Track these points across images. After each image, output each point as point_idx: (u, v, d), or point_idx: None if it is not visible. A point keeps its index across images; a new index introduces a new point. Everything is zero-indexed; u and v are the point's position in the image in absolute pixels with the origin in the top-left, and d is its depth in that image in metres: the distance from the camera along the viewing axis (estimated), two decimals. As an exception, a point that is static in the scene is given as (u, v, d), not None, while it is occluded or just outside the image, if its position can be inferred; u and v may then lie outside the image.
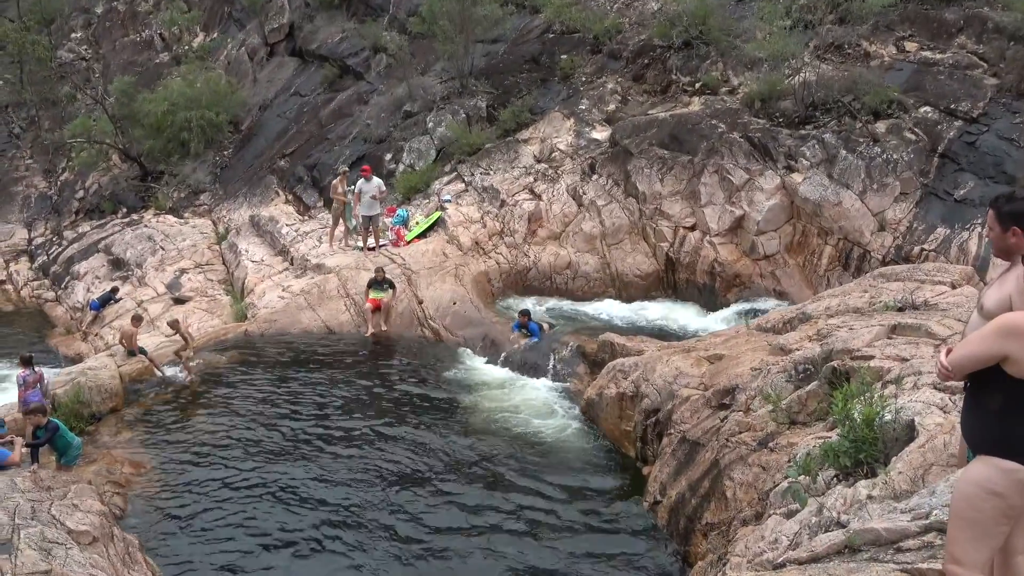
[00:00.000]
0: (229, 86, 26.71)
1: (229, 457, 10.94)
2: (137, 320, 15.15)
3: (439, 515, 9.38)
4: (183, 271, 20.52)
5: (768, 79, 17.40)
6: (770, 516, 6.25)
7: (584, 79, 20.97)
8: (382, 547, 8.78)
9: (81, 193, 26.83)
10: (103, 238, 23.18)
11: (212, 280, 20.19)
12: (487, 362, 14.11)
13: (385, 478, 10.19)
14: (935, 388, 6.32)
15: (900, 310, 9.05)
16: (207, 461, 10.90)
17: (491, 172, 19.13)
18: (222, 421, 12.08)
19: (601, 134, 19.06)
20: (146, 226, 23.11)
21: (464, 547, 8.73)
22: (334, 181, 19.03)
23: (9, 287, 23.93)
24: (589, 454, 10.81)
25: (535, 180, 18.53)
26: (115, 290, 19.87)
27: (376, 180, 17.78)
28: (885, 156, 15.23)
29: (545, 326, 14.00)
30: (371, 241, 18.25)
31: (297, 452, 11.02)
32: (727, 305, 15.58)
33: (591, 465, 10.54)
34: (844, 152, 15.52)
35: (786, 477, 6.50)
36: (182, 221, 23.56)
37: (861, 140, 15.63)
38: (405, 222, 18.60)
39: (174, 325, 14.46)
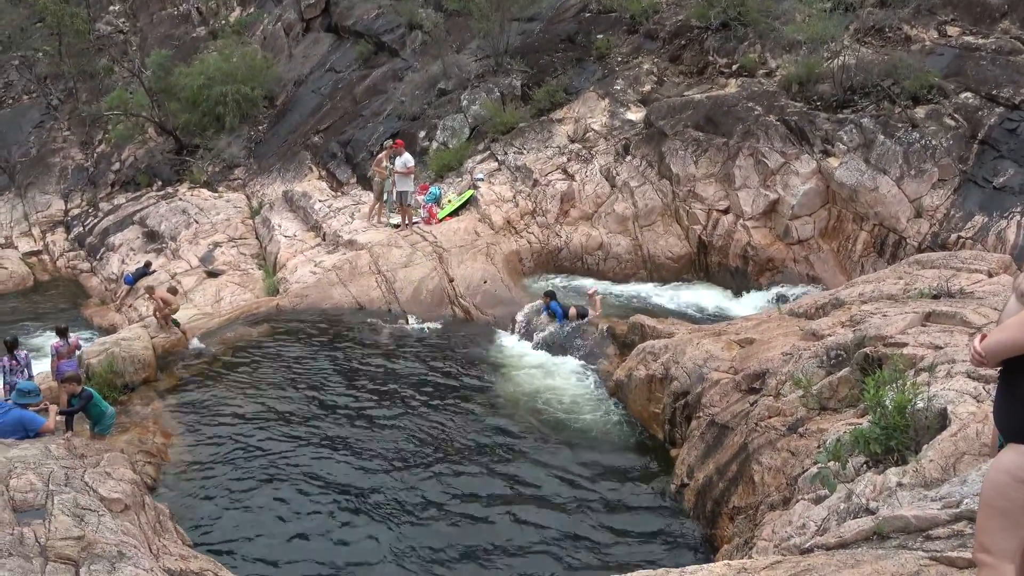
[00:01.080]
0: (265, 61, 26.86)
1: (259, 428, 11.14)
2: (171, 292, 15.42)
3: (465, 490, 9.51)
4: (216, 245, 20.80)
5: (806, 62, 17.17)
6: (798, 501, 6.27)
7: (620, 59, 20.83)
8: (409, 520, 8.93)
9: (117, 165, 27.22)
10: (138, 210, 23.55)
11: (245, 254, 20.44)
12: (516, 341, 14.18)
13: (413, 453, 10.34)
14: (968, 376, 6.28)
15: (935, 297, 8.96)
16: (237, 432, 11.11)
17: (524, 151, 19.10)
18: (253, 393, 12.29)
19: (636, 115, 18.95)
20: (180, 199, 23.42)
21: (490, 524, 8.85)
22: (380, 155, 19.08)
23: (46, 257, 24.42)
24: (616, 435, 10.86)
25: (568, 160, 18.48)
26: (148, 264, 20.19)
27: (404, 156, 17.83)
28: (924, 142, 14.98)
29: (573, 311, 13.91)
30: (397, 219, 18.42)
31: (326, 425, 11.20)
32: (759, 289, 15.51)
33: (618, 446, 10.60)
34: (882, 137, 15.29)
35: (815, 463, 6.50)
36: (216, 195, 23.84)
37: (900, 125, 15.39)
38: (438, 200, 18.65)
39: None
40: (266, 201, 22.46)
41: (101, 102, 27.90)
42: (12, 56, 31.54)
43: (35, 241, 25.10)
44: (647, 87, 19.67)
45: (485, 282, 15.79)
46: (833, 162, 15.47)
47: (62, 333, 12.16)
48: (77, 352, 12.25)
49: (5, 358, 11.29)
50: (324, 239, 19.26)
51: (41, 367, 12.90)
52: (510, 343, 14.19)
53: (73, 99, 29.71)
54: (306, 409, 11.69)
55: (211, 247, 20.71)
